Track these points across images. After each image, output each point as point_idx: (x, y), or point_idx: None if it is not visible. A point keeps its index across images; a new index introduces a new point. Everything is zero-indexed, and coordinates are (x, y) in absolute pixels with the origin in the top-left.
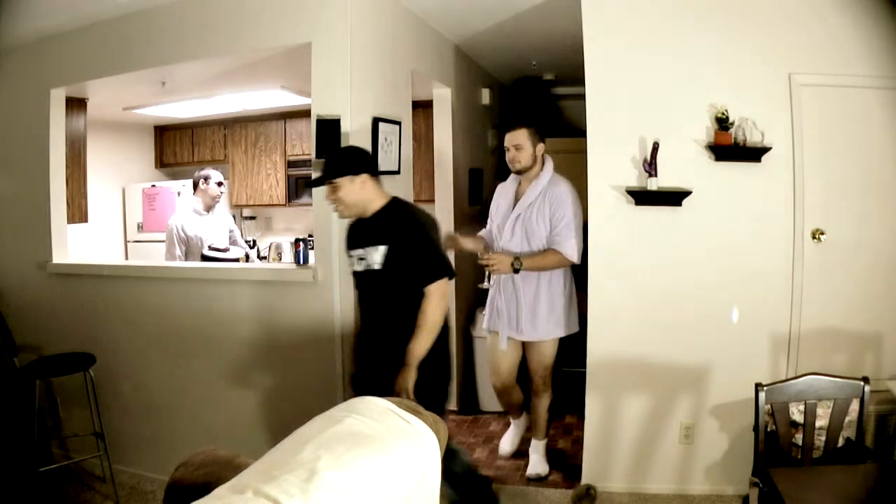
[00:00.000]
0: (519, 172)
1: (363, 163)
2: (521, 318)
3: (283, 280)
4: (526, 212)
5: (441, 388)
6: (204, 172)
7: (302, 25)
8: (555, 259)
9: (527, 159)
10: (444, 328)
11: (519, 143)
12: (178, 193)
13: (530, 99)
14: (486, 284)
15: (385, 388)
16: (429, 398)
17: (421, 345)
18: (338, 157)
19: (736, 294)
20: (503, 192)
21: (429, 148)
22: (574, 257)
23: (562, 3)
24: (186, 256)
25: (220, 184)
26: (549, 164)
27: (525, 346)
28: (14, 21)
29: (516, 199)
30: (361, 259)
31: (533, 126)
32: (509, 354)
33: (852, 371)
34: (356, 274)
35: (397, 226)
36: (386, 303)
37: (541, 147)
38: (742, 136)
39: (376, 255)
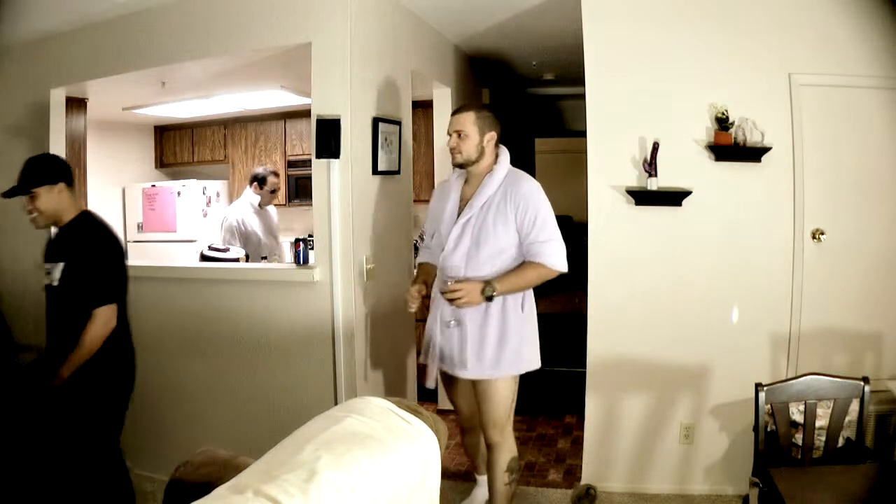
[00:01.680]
0: (461, 166)
1: (60, 171)
2: (466, 349)
3: (283, 280)
4: (479, 215)
5: (109, 413)
6: (263, 171)
7: (302, 25)
8: (536, 274)
9: (470, 150)
10: (125, 353)
11: (461, 128)
12: (178, 193)
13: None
14: (452, 322)
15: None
16: (92, 423)
17: (68, 367)
18: (34, 165)
19: (736, 294)
20: (443, 195)
21: (429, 148)
22: (561, 266)
23: (562, 3)
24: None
25: (275, 174)
26: (505, 157)
27: (474, 386)
28: (14, 21)
29: (462, 202)
30: (48, 274)
31: (484, 109)
32: (466, 386)
33: (852, 371)
34: (45, 288)
35: (76, 242)
36: (60, 322)
37: (491, 136)
38: (742, 136)
39: (56, 272)
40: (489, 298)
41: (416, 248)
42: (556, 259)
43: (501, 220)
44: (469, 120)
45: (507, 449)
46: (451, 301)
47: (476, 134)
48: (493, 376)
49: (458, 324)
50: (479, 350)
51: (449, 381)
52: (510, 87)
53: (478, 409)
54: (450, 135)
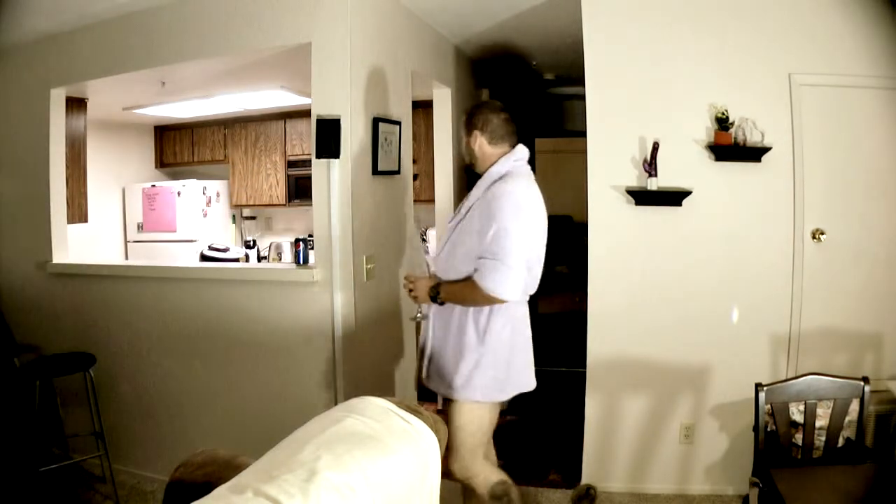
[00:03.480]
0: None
1: None
2: (425, 357)
3: (283, 280)
4: (463, 219)
5: None
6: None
7: (302, 25)
8: (470, 290)
9: (465, 152)
10: None
11: (461, 131)
12: (178, 193)
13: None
14: (416, 315)
15: None
16: None
17: None
18: None
19: (736, 294)
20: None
21: (429, 148)
22: (493, 289)
23: (562, 3)
24: None
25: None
26: (515, 155)
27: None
28: (14, 21)
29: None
30: None
31: (476, 107)
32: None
33: (852, 371)
34: None
35: None
36: None
37: (475, 136)
38: (742, 136)
39: None
40: (434, 300)
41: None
42: (490, 283)
43: (472, 225)
44: (462, 123)
45: (480, 483)
46: (409, 292)
47: (465, 136)
48: (453, 396)
49: (424, 317)
50: (439, 365)
51: None
52: (510, 87)
53: None
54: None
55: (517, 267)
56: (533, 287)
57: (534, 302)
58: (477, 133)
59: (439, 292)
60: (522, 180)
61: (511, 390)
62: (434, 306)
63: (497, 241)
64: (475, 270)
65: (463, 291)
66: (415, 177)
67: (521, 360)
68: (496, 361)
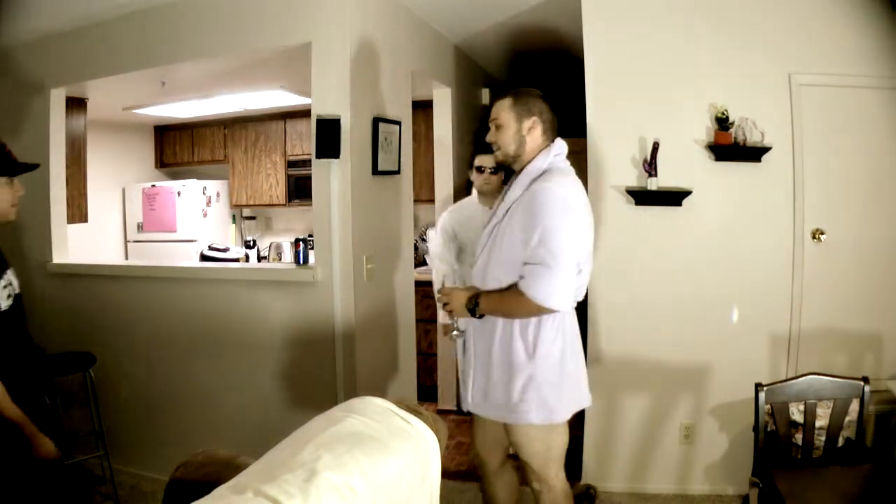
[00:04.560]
0: (503, 165)
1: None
2: (469, 380)
3: (283, 280)
4: (501, 221)
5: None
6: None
7: (302, 25)
8: (515, 300)
9: (507, 142)
10: None
11: (496, 117)
12: (178, 193)
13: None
14: (452, 333)
15: None
16: None
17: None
18: None
19: (736, 294)
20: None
21: (429, 148)
22: (544, 299)
23: (562, 3)
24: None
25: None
26: (554, 149)
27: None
28: (14, 21)
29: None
30: (9, 285)
31: (525, 93)
32: (480, 419)
33: (852, 371)
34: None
35: None
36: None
37: (533, 123)
38: (742, 136)
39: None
40: (473, 313)
41: (416, 248)
42: (539, 290)
43: (511, 228)
44: (505, 106)
45: (549, 500)
46: (443, 305)
47: (513, 122)
48: (507, 420)
49: (461, 334)
50: (485, 384)
51: None
52: (510, 87)
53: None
54: (490, 127)
55: (568, 272)
56: (582, 292)
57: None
58: (536, 120)
59: (478, 304)
60: (566, 176)
61: (568, 408)
62: (473, 321)
63: (544, 244)
64: (521, 278)
65: (506, 302)
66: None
67: (575, 375)
68: (549, 378)
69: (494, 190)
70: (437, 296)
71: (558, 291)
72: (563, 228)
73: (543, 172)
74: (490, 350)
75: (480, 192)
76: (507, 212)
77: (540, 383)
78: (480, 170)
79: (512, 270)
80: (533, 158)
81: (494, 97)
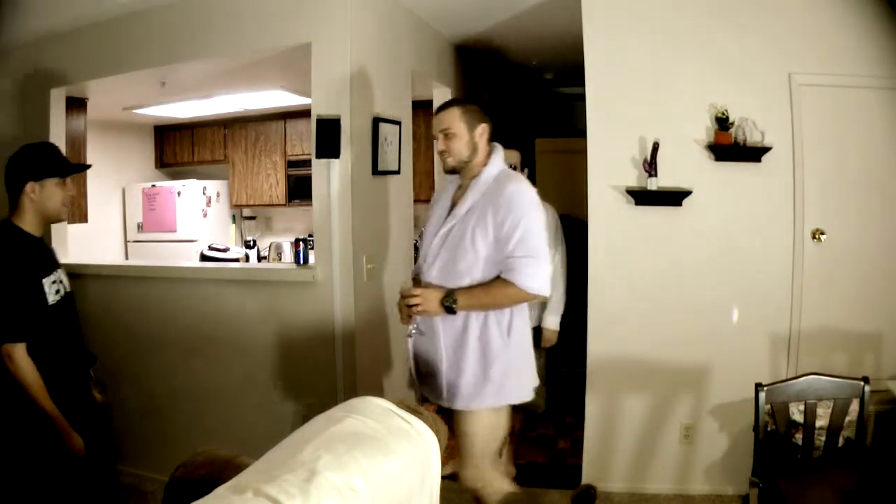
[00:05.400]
0: (454, 171)
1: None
2: (440, 375)
3: (283, 280)
4: (461, 223)
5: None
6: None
7: (302, 25)
8: (505, 293)
9: (461, 149)
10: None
11: (448, 126)
12: (178, 193)
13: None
14: (410, 330)
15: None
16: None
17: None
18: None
19: (736, 294)
20: (436, 201)
21: (429, 148)
22: (538, 289)
23: (562, 3)
24: None
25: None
26: (499, 155)
27: (453, 415)
28: (14, 21)
29: (452, 209)
30: (58, 282)
31: (470, 101)
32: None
33: (852, 371)
34: (60, 300)
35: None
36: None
37: (483, 129)
38: (742, 136)
39: (65, 278)
40: (450, 311)
41: (417, 248)
42: (531, 280)
43: (481, 228)
44: (455, 115)
45: (491, 493)
46: (409, 307)
47: (465, 130)
48: (468, 407)
49: (421, 333)
50: (456, 377)
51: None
52: (510, 87)
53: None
54: (436, 137)
55: (549, 262)
56: None
57: (527, 323)
58: (486, 127)
59: (456, 300)
60: (522, 177)
61: (531, 389)
62: (436, 320)
63: (529, 239)
64: (508, 271)
65: (492, 295)
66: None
67: (532, 357)
68: (524, 360)
69: None
70: (403, 298)
71: (547, 279)
72: (539, 224)
73: (498, 175)
74: (463, 344)
75: None
76: (465, 214)
77: (517, 366)
78: None
79: (489, 267)
80: (485, 163)
81: (439, 108)
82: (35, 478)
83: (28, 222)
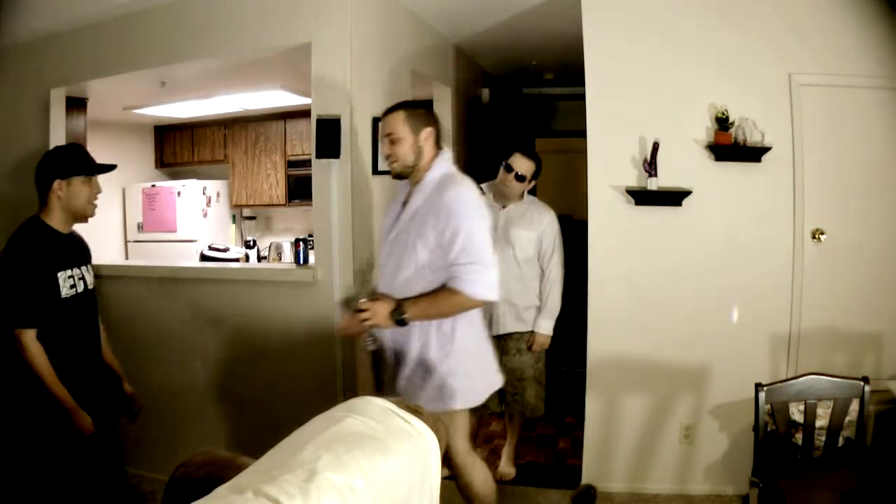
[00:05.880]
0: (401, 176)
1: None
2: (403, 380)
3: (283, 280)
4: (405, 230)
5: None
6: None
7: (302, 25)
8: (450, 302)
9: (405, 154)
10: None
11: (392, 131)
12: (178, 193)
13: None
14: (370, 343)
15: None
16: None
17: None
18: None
19: (736, 294)
20: (392, 206)
21: None
22: (483, 294)
23: (562, 3)
24: None
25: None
26: (445, 156)
27: None
28: (14, 21)
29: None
30: (80, 279)
31: (416, 105)
32: None
33: (852, 371)
34: (78, 295)
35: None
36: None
37: (428, 133)
38: (742, 136)
39: (89, 275)
40: (400, 323)
41: None
42: (476, 287)
43: (423, 235)
44: (399, 119)
45: (478, 475)
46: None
47: (409, 134)
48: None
49: (375, 344)
50: (409, 383)
51: None
52: (510, 86)
53: None
54: (381, 142)
55: (495, 266)
56: None
57: (478, 328)
58: (431, 130)
59: (405, 312)
60: (466, 180)
61: (483, 393)
62: (388, 331)
63: (472, 244)
64: (453, 279)
65: (437, 304)
66: None
67: (487, 360)
68: (468, 366)
69: (512, 194)
70: (351, 312)
71: (494, 284)
72: (482, 228)
73: (443, 178)
74: (408, 351)
75: (498, 192)
76: (410, 220)
77: (457, 372)
78: (509, 169)
79: (432, 275)
80: (430, 167)
81: (385, 112)
82: (42, 459)
83: (55, 219)
